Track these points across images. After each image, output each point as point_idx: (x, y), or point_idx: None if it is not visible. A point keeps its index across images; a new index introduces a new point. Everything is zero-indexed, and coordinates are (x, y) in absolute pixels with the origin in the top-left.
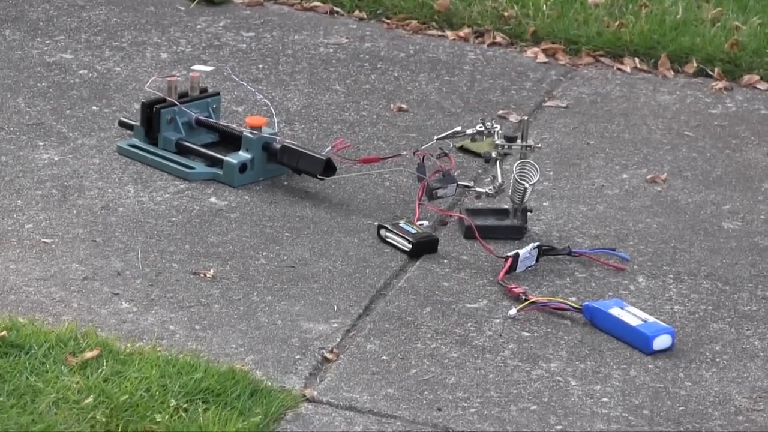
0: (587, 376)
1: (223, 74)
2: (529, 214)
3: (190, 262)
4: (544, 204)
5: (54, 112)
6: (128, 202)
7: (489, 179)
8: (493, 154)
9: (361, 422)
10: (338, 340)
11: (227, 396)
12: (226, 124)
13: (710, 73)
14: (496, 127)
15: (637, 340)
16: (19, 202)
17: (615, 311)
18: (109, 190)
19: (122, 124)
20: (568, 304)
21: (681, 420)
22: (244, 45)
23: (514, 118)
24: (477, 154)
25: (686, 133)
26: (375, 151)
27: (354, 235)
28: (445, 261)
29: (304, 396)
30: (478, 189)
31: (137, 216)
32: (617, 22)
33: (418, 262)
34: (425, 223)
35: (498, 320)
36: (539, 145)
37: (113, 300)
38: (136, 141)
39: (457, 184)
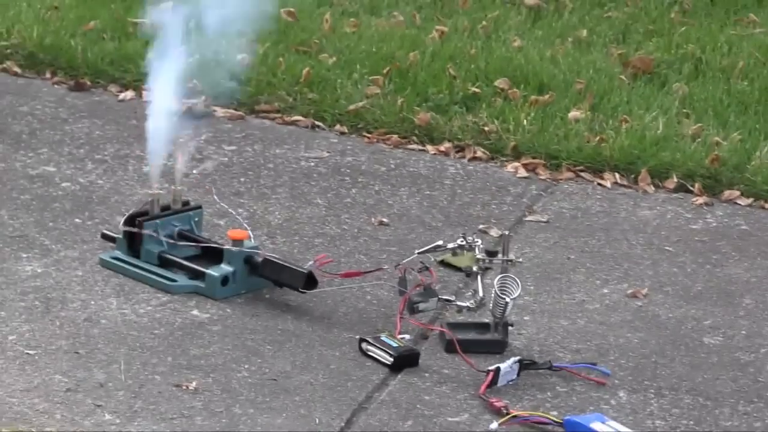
0: None
1: (205, 188)
2: (510, 328)
3: (173, 375)
4: (525, 318)
5: (37, 225)
6: (111, 314)
7: (470, 293)
8: (474, 269)
9: None
10: None
11: None
12: (207, 237)
13: (690, 188)
14: (476, 242)
15: None
16: (2, 313)
17: (596, 426)
18: (92, 302)
19: (105, 237)
20: (550, 419)
21: None
22: (226, 158)
23: (494, 232)
24: (458, 269)
25: (667, 248)
26: (356, 265)
27: (336, 349)
28: (427, 374)
29: None
30: (459, 303)
31: (120, 328)
32: (597, 138)
33: (399, 376)
34: (407, 336)
35: None
36: (520, 260)
37: (96, 412)
38: (118, 253)
39: (439, 298)
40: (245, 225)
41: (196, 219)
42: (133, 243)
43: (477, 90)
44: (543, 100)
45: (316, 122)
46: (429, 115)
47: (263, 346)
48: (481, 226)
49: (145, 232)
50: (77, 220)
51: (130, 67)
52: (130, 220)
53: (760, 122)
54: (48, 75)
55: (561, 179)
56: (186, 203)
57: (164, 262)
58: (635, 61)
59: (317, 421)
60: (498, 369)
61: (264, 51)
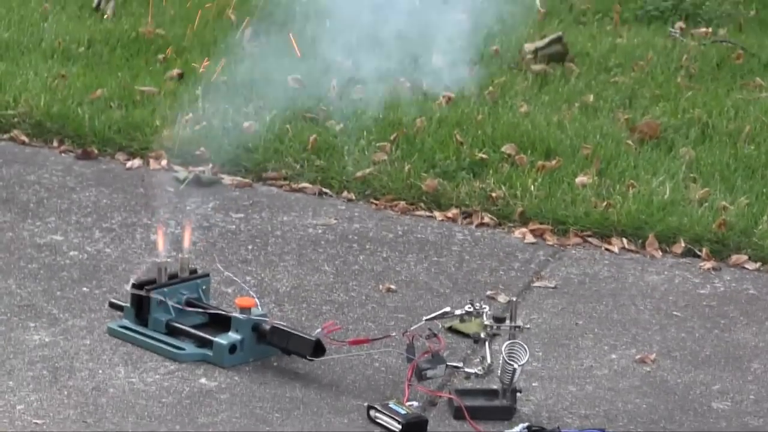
0: None
1: (213, 255)
2: (518, 394)
3: None
4: (534, 384)
5: (45, 294)
6: (119, 383)
7: (478, 360)
8: (482, 335)
9: None
10: None
11: None
12: (215, 305)
13: (698, 253)
14: (484, 308)
15: None
16: (10, 383)
17: None
18: (100, 371)
19: (112, 306)
20: None
21: None
22: (233, 226)
23: (502, 298)
24: (466, 335)
25: (675, 313)
26: (364, 332)
27: (344, 416)
28: None
29: None
30: (467, 369)
31: (128, 397)
32: (605, 203)
33: None
34: (415, 403)
35: None
36: (528, 326)
37: None
38: (126, 322)
39: (447, 365)
40: (252, 293)
41: (204, 287)
42: (140, 311)
43: (484, 156)
44: (550, 165)
45: (324, 189)
46: (436, 182)
47: (271, 414)
48: (488, 293)
49: (153, 296)
50: (85, 288)
51: (137, 135)
52: (138, 287)
53: None
54: (55, 144)
55: (568, 245)
56: (193, 271)
57: (172, 331)
58: (642, 126)
59: None
60: None
61: (271, 118)
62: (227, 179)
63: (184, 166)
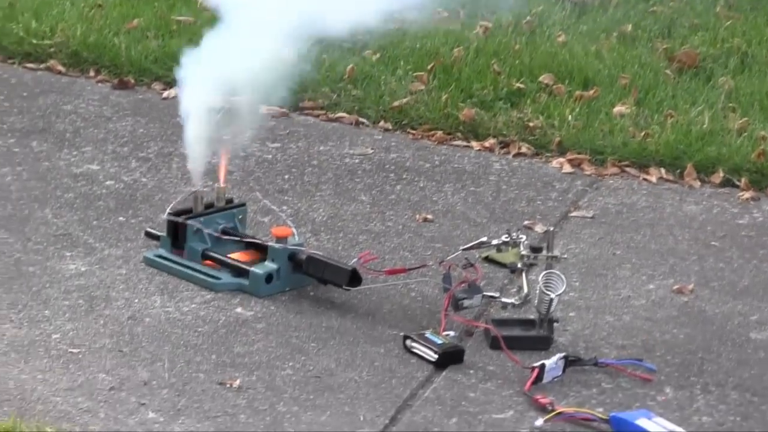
0: None
1: (249, 185)
2: (555, 324)
3: (217, 372)
4: (571, 314)
5: (81, 223)
6: (155, 313)
7: (515, 290)
8: (519, 265)
9: None
10: None
11: None
12: (251, 235)
13: (737, 183)
14: (521, 238)
15: None
16: (46, 312)
17: (642, 422)
18: (136, 301)
19: (149, 235)
20: (595, 415)
21: None
22: (270, 156)
23: (539, 228)
24: (503, 265)
25: (713, 243)
26: (401, 262)
27: (380, 346)
28: (471, 371)
29: None
30: (504, 299)
31: (164, 326)
32: (643, 133)
33: (444, 373)
34: (451, 333)
35: (525, 431)
36: (565, 256)
37: (140, 410)
38: (162, 252)
39: (483, 295)
40: (289, 222)
41: (240, 216)
42: (176, 241)
43: (521, 86)
44: (588, 95)
45: (360, 119)
46: (473, 111)
47: (307, 343)
48: (525, 222)
49: (190, 224)
50: (121, 218)
51: (173, 65)
52: (174, 216)
53: None
54: (92, 73)
55: (606, 174)
56: (230, 201)
57: (208, 260)
58: (681, 55)
59: (361, 419)
60: (543, 366)
61: (308, 48)
62: (264, 109)
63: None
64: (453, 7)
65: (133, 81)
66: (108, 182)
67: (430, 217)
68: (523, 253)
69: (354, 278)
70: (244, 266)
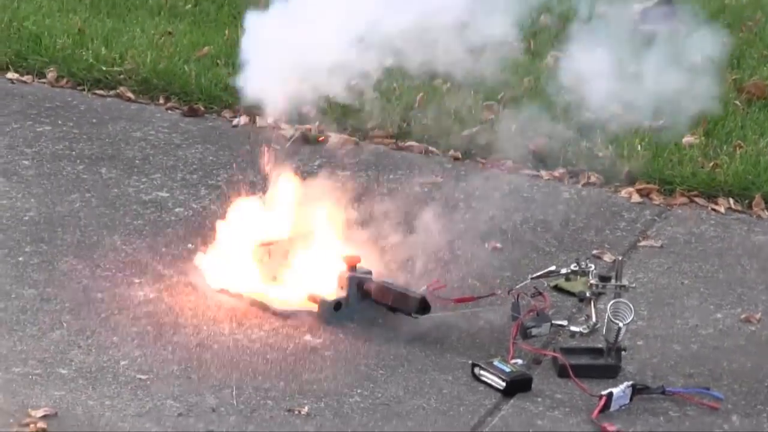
0: None
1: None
2: (623, 353)
3: (285, 399)
4: (638, 343)
5: (150, 250)
6: (223, 340)
7: (583, 318)
8: (588, 294)
9: None
10: None
11: None
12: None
13: None
14: (590, 267)
15: None
16: (114, 338)
17: None
18: (204, 327)
19: None
20: None
21: None
22: (339, 184)
23: (608, 257)
24: (571, 294)
25: None
26: (469, 290)
27: (448, 373)
28: (539, 399)
29: None
30: (572, 328)
31: (232, 353)
32: (711, 163)
33: (512, 401)
34: (519, 361)
35: None
36: (633, 285)
37: None
38: None
39: (552, 323)
40: (358, 250)
41: None
42: None
43: (591, 115)
44: (656, 125)
45: (430, 147)
46: (543, 141)
47: (376, 371)
48: (594, 251)
49: None
50: (190, 245)
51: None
52: None
53: None
54: (161, 100)
55: (675, 204)
56: None
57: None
58: (750, 86)
59: None
60: (611, 394)
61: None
62: (333, 137)
63: (290, 124)
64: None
65: (202, 108)
66: (177, 209)
67: (499, 245)
68: (592, 282)
69: (423, 306)
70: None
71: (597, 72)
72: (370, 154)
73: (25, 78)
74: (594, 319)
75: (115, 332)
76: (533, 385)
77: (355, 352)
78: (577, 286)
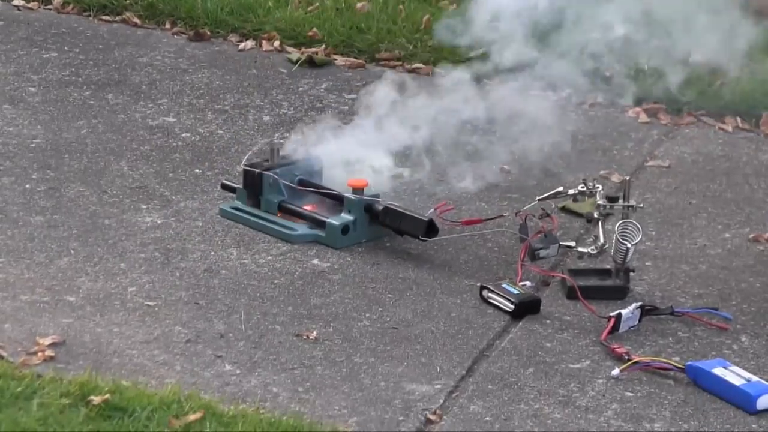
0: None
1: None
2: (631, 274)
3: (293, 324)
4: (647, 264)
5: (157, 176)
6: (231, 265)
7: (591, 239)
8: (595, 215)
9: None
10: (441, 401)
11: None
12: (328, 186)
13: None
14: (597, 188)
15: (740, 400)
16: (122, 265)
17: (718, 371)
18: (212, 253)
19: (225, 187)
20: (672, 364)
21: None
22: (346, 107)
23: (616, 178)
24: (579, 215)
25: None
26: (477, 213)
27: (456, 296)
28: (548, 321)
29: None
30: (580, 249)
31: (240, 278)
32: (719, 82)
33: (520, 323)
34: (528, 283)
35: (601, 380)
36: (641, 205)
37: (216, 362)
38: (238, 204)
39: (560, 245)
40: (365, 173)
41: (317, 168)
42: (253, 192)
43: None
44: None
45: (437, 70)
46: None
47: (384, 294)
48: (602, 172)
49: (266, 176)
50: (197, 170)
51: (249, 16)
52: (251, 168)
53: None
54: (167, 25)
55: (682, 124)
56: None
57: (284, 212)
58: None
59: (438, 369)
60: (619, 315)
61: None
62: (340, 60)
63: (297, 48)
64: None
65: (209, 33)
66: (184, 134)
67: (506, 167)
68: (600, 202)
69: (430, 229)
70: (320, 217)
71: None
72: (376, 77)
73: (30, 5)
74: (602, 239)
75: (122, 259)
76: (542, 307)
77: (363, 276)
78: (584, 207)
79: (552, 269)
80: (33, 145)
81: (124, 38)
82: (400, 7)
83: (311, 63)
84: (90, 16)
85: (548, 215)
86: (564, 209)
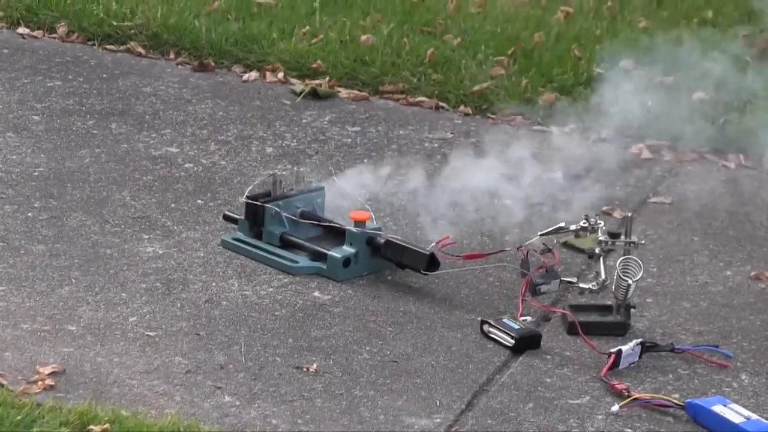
0: None
1: (329, 168)
2: (632, 310)
3: (293, 356)
4: (648, 300)
5: (159, 206)
6: (232, 296)
7: (592, 275)
8: (597, 251)
9: None
10: None
11: None
12: (330, 218)
13: None
14: (599, 224)
15: None
16: (123, 295)
17: (718, 408)
18: (213, 284)
19: (227, 218)
20: (671, 401)
21: None
22: (349, 139)
23: (618, 214)
24: (581, 251)
25: None
26: (479, 247)
27: (457, 330)
28: (548, 357)
29: None
30: (581, 285)
31: (241, 310)
32: (722, 119)
33: (521, 358)
34: (528, 318)
35: (601, 416)
36: (643, 242)
37: (216, 393)
38: (240, 235)
39: (561, 280)
40: (367, 206)
41: (319, 200)
42: (255, 224)
43: (602, 71)
44: (668, 81)
45: (440, 103)
46: (553, 96)
47: (384, 327)
48: (604, 208)
49: (268, 207)
50: (199, 201)
51: (254, 47)
52: (253, 200)
53: None
54: (172, 56)
55: (685, 161)
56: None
57: (286, 244)
58: (762, 42)
59: (438, 403)
60: (620, 351)
61: (389, 31)
62: (344, 92)
63: (301, 79)
64: None
65: (213, 63)
66: (187, 165)
67: (508, 202)
68: (601, 238)
69: (432, 263)
70: (322, 250)
71: None
72: (379, 109)
73: (35, 33)
74: (603, 275)
75: (123, 288)
76: (542, 343)
77: (363, 309)
78: (586, 242)
79: (553, 305)
80: (36, 173)
81: (128, 68)
82: (405, 39)
83: (315, 95)
84: (94, 45)
85: (550, 251)
86: (566, 245)
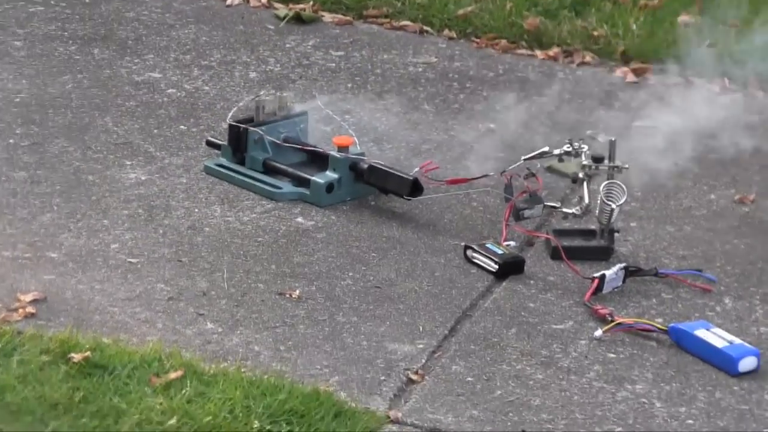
0: (672, 398)
1: (312, 93)
2: (616, 234)
3: (276, 283)
4: (632, 225)
5: (141, 132)
6: (215, 222)
7: (576, 200)
8: (581, 175)
9: None
10: (423, 361)
11: (311, 417)
12: (313, 144)
13: None
14: (583, 148)
15: (722, 362)
16: (105, 221)
17: (701, 333)
18: (196, 210)
19: (210, 144)
20: (654, 326)
21: None
22: (333, 64)
23: (602, 138)
24: (564, 175)
25: None
26: (462, 172)
27: (440, 256)
28: (532, 282)
29: (389, 417)
30: (565, 210)
31: (223, 236)
32: (707, 42)
33: (504, 283)
34: (512, 243)
35: (584, 341)
36: (627, 166)
37: (198, 320)
38: (223, 161)
39: (544, 205)
40: (351, 131)
41: (302, 125)
42: (238, 150)
43: None
44: (652, 4)
45: (425, 27)
46: (538, 20)
47: (368, 253)
48: (588, 132)
49: (251, 132)
50: (182, 126)
51: None
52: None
53: None
54: None
55: (670, 84)
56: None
57: (269, 169)
58: None
59: (421, 329)
60: (603, 276)
61: None
62: (327, 17)
63: (284, 3)
64: None
65: None
66: (170, 90)
67: (492, 126)
68: (585, 163)
69: (415, 188)
70: (305, 175)
71: None
72: (363, 34)
73: None
74: (587, 200)
75: (105, 215)
76: (526, 268)
77: (346, 235)
78: (570, 167)
79: (536, 229)
80: (17, 100)
81: None
82: None
83: (299, 19)
84: None
85: (533, 175)
86: (549, 169)
